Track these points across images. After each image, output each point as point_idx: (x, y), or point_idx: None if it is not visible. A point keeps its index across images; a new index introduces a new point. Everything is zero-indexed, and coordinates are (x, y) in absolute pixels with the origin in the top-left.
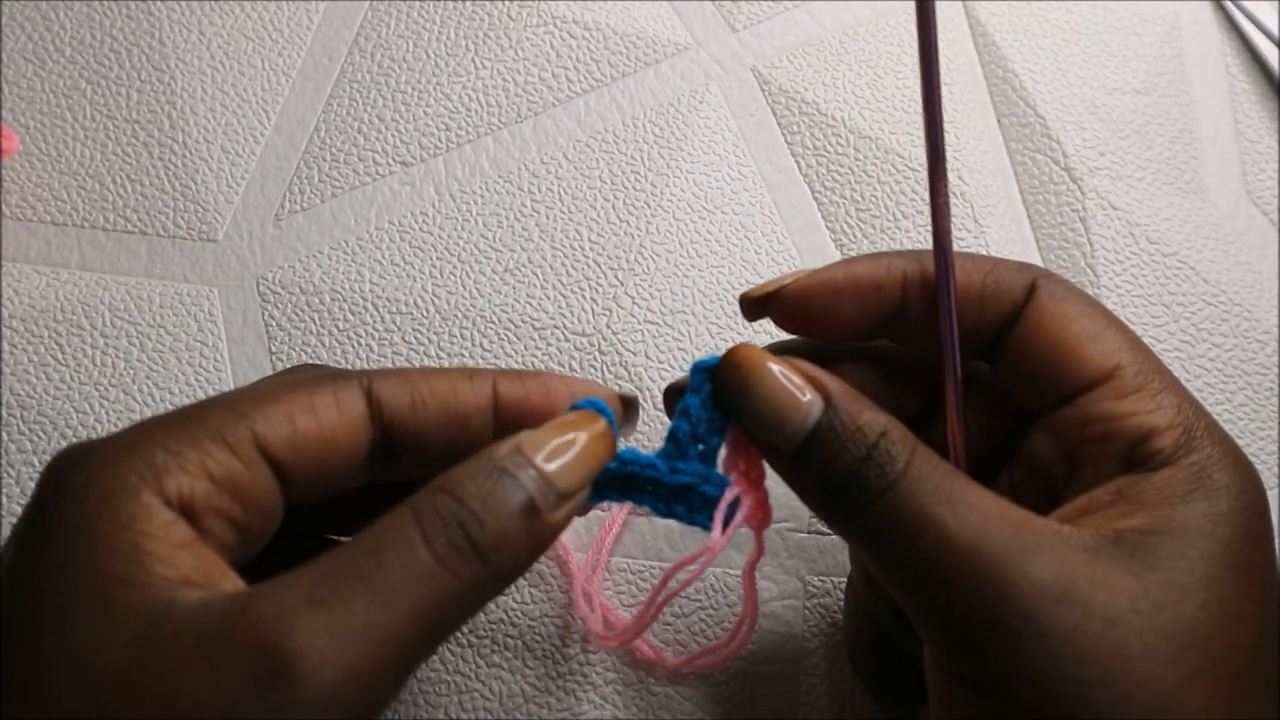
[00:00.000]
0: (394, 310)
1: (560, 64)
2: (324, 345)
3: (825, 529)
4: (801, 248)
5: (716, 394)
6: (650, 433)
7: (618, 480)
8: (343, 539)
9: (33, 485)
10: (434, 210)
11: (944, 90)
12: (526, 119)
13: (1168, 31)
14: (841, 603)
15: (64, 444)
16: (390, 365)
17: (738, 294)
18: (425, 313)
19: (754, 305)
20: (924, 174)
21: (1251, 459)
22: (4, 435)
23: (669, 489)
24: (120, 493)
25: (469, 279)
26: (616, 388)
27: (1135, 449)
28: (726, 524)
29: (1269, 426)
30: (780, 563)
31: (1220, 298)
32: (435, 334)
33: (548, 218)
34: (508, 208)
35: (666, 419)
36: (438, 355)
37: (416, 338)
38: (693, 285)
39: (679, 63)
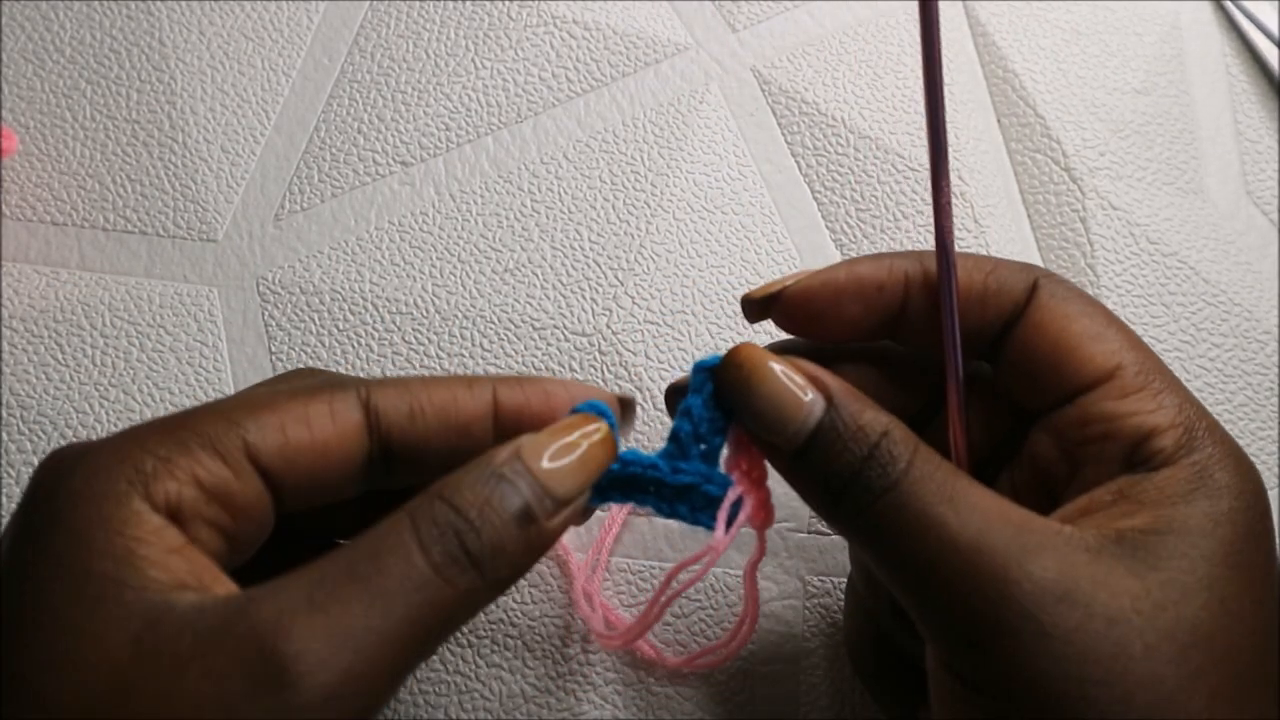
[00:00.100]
0: (394, 310)
1: (560, 64)
2: (324, 345)
3: (825, 529)
4: (801, 248)
5: (718, 394)
6: (651, 433)
7: (620, 481)
8: (342, 542)
9: None
10: (434, 210)
11: (945, 90)
12: (526, 119)
13: (1168, 31)
14: (841, 603)
15: (64, 444)
16: (390, 365)
17: (738, 294)
18: (425, 313)
19: (756, 306)
20: (924, 174)
21: (1251, 459)
22: (4, 435)
23: (671, 489)
24: (111, 499)
25: (469, 279)
26: (616, 388)
27: (1136, 449)
28: (729, 523)
29: (1269, 426)
30: (780, 563)
31: (1220, 298)
32: (435, 334)
33: (548, 218)
34: (508, 208)
35: (668, 419)
36: (437, 355)
37: (416, 338)
38: (693, 285)
39: (679, 63)
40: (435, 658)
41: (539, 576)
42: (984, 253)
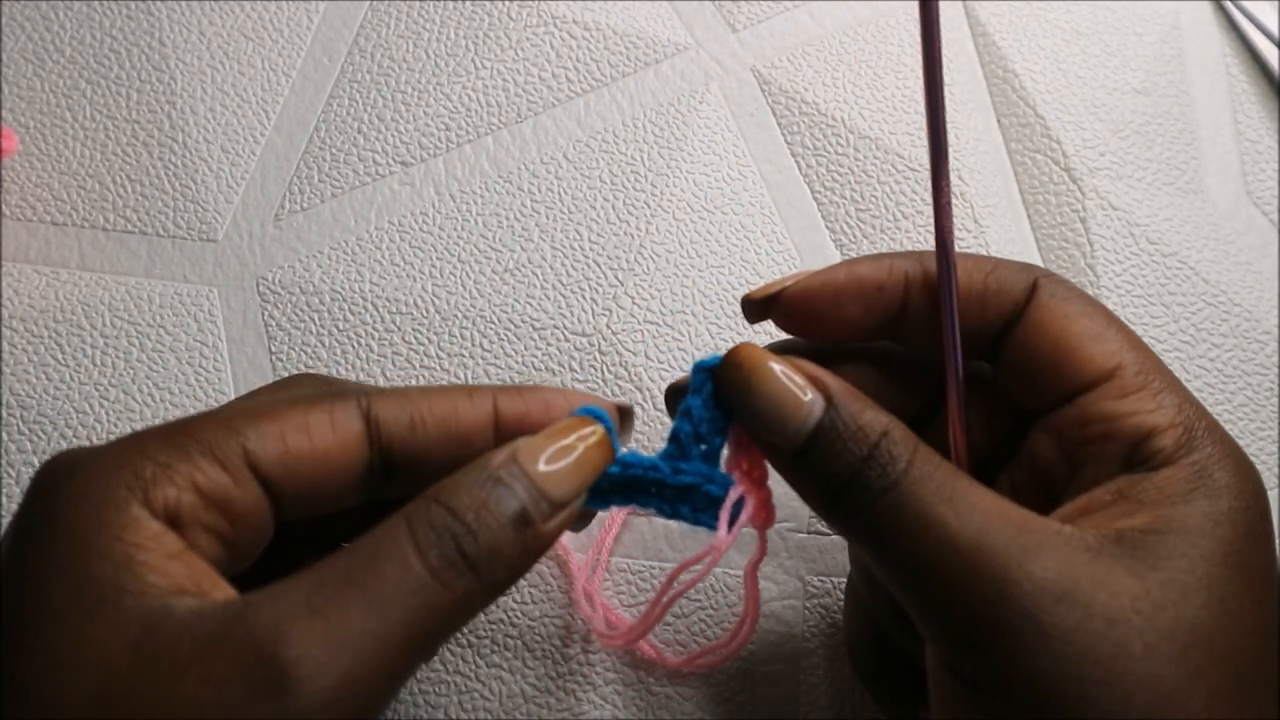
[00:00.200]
0: (394, 310)
1: (560, 64)
2: (324, 345)
3: (825, 529)
4: (801, 248)
5: (718, 394)
6: (651, 433)
7: (622, 484)
8: (346, 545)
9: None
10: (434, 210)
11: (945, 90)
12: (526, 119)
13: (1168, 31)
14: (841, 603)
15: (64, 444)
16: (390, 365)
17: (738, 294)
18: (425, 313)
19: (756, 307)
20: (924, 174)
21: (1251, 459)
22: (4, 435)
23: (673, 490)
24: (110, 504)
25: (469, 279)
26: (616, 388)
27: (1136, 448)
28: (732, 523)
29: (1269, 426)
30: (780, 563)
31: (1220, 298)
32: (435, 334)
33: (548, 218)
34: (508, 208)
35: (668, 419)
36: (437, 355)
37: (416, 338)
38: (693, 285)
39: (679, 63)
40: (435, 658)
41: (539, 577)
42: (984, 253)
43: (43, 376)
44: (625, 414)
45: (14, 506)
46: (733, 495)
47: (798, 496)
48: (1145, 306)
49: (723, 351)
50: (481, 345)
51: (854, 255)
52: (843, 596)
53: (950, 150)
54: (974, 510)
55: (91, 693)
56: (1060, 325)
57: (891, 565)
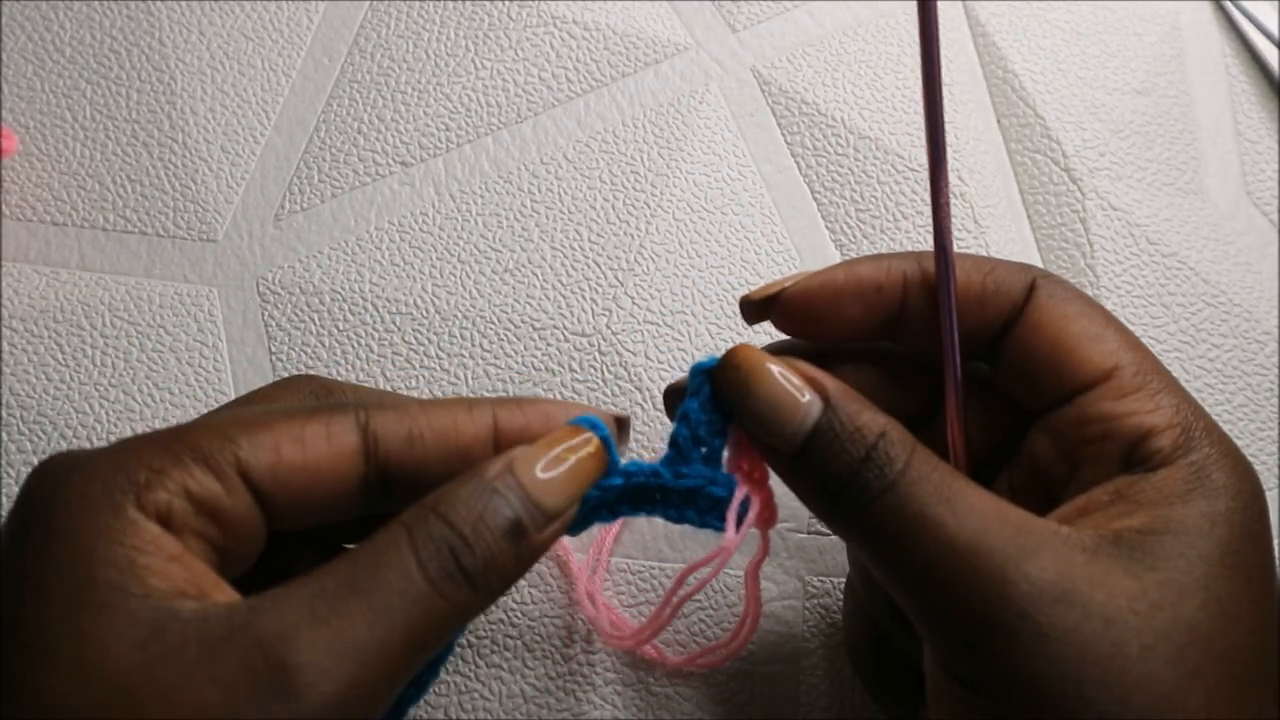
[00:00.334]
0: (394, 310)
1: (560, 64)
2: (324, 345)
3: (825, 529)
4: (801, 248)
5: (716, 396)
6: (652, 434)
7: (627, 495)
8: (349, 546)
9: None
10: (434, 210)
11: (944, 90)
12: (526, 119)
13: (1168, 31)
14: (841, 603)
15: (64, 444)
16: (390, 365)
17: (738, 294)
18: (425, 313)
19: (755, 308)
20: (924, 174)
21: (1251, 459)
22: (4, 435)
23: (677, 494)
24: (107, 508)
25: (469, 279)
26: (616, 388)
27: (1134, 449)
28: (739, 523)
29: (1269, 426)
30: (780, 563)
31: (1220, 298)
32: (435, 334)
33: (548, 218)
34: (508, 208)
35: (668, 420)
36: (437, 355)
37: (416, 338)
38: (693, 285)
39: (679, 63)
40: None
41: (539, 577)
42: (984, 253)
43: (43, 376)
44: (622, 425)
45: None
46: (739, 495)
47: (797, 497)
48: (1145, 307)
49: (721, 353)
50: (481, 345)
51: (854, 255)
52: (842, 597)
53: (950, 150)
54: (971, 511)
55: (98, 694)
56: (1058, 326)
57: (889, 566)
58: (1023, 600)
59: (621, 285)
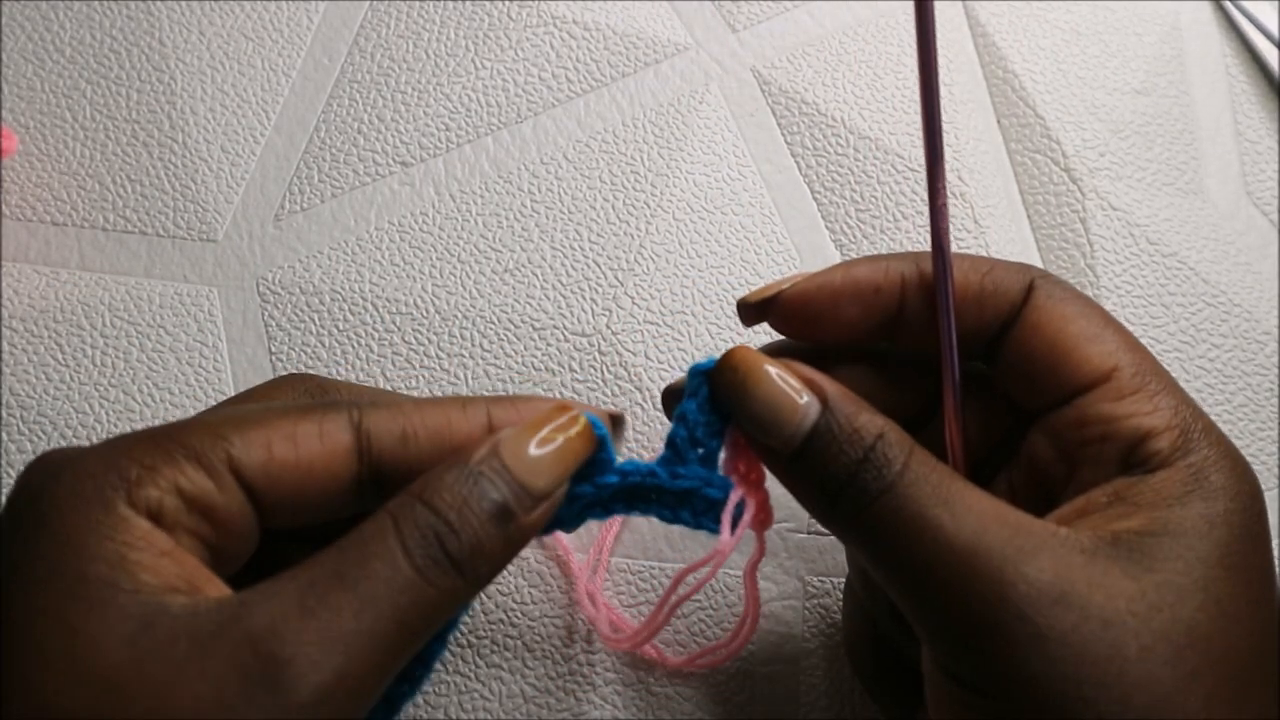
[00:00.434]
0: (394, 310)
1: (560, 64)
2: (324, 345)
3: (824, 530)
4: (801, 248)
5: (714, 397)
6: (651, 434)
7: (622, 493)
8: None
9: None
10: (434, 210)
11: (944, 90)
12: (526, 119)
13: (1168, 31)
14: (841, 603)
15: (64, 444)
16: (390, 365)
17: (737, 294)
18: (425, 313)
19: (752, 310)
20: (924, 174)
21: (1251, 459)
22: (4, 435)
23: (673, 495)
24: (99, 504)
25: (469, 279)
26: (616, 388)
27: (1133, 450)
28: (734, 525)
29: (1269, 426)
30: (780, 563)
31: (1220, 298)
32: (435, 334)
33: (548, 218)
34: (508, 208)
35: (667, 421)
36: (437, 355)
37: (416, 338)
38: (693, 285)
39: (679, 63)
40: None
41: (539, 577)
42: (983, 253)
43: (43, 376)
44: (618, 422)
45: None
46: (734, 497)
47: (795, 498)
48: (1145, 307)
49: (720, 354)
50: (481, 345)
51: (854, 255)
52: (842, 597)
53: (950, 150)
54: (970, 512)
55: (88, 690)
56: (1057, 326)
57: (888, 567)
58: (1021, 601)
59: (621, 285)
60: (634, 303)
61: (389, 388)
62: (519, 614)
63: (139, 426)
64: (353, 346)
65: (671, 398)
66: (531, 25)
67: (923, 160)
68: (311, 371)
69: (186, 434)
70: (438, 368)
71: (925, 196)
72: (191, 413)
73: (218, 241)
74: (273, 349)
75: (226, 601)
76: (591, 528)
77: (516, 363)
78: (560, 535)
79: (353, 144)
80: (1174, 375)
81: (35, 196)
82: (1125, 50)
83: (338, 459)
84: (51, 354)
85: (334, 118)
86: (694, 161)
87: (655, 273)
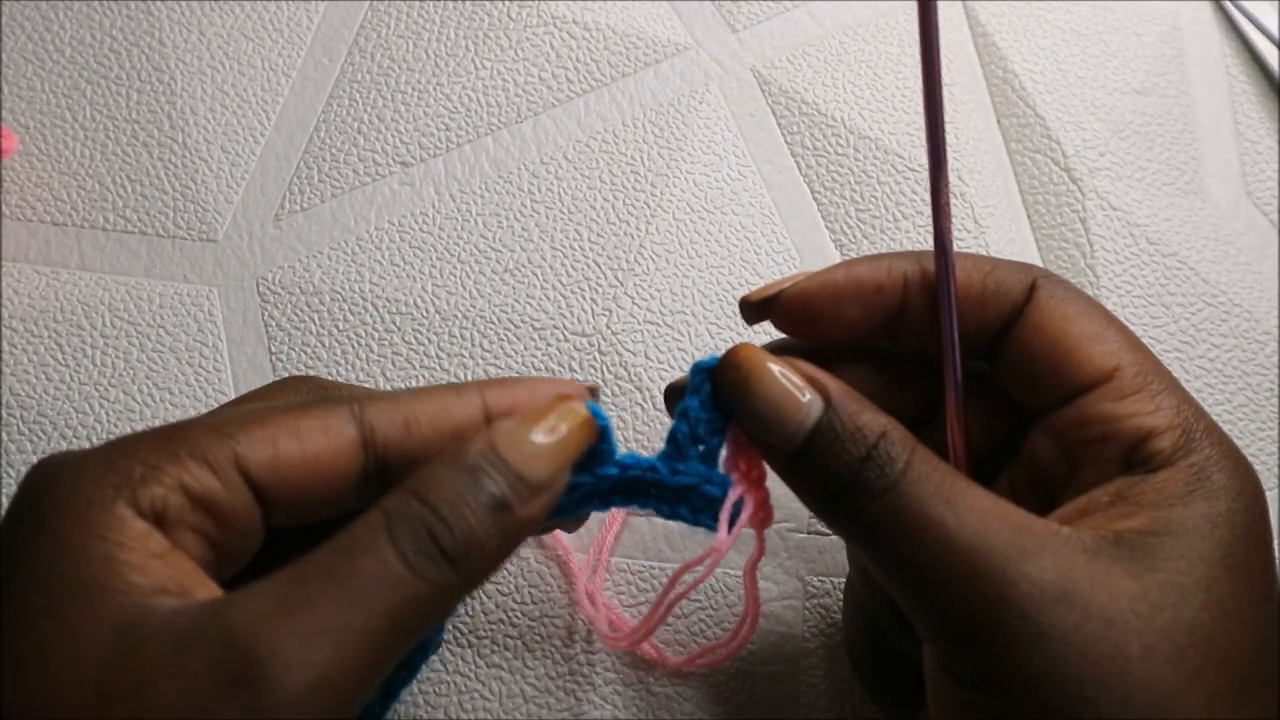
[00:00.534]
0: (394, 310)
1: (560, 64)
2: (324, 345)
3: (825, 529)
4: (801, 248)
5: (716, 394)
6: (651, 433)
7: (621, 486)
8: None
9: None
10: (434, 210)
11: (944, 90)
12: (526, 119)
13: (1168, 31)
14: (841, 603)
15: (64, 444)
16: (390, 365)
17: (738, 294)
18: (425, 313)
19: (754, 309)
20: (924, 174)
21: (1251, 459)
22: (4, 435)
23: (672, 491)
24: (96, 503)
25: (469, 279)
26: (616, 388)
27: (1135, 450)
28: (732, 524)
29: (1269, 426)
30: (780, 563)
31: (1220, 298)
32: (435, 334)
33: (548, 218)
34: (508, 208)
35: (668, 419)
36: (437, 355)
37: (416, 338)
38: (693, 285)
39: (679, 63)
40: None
41: (539, 577)
42: (983, 253)
43: (43, 376)
44: (593, 393)
45: None
46: (732, 496)
47: (797, 497)
48: (1145, 307)
49: (722, 352)
50: (481, 345)
51: (854, 255)
52: (842, 597)
53: (950, 150)
54: (972, 511)
55: (69, 694)
56: (1059, 326)
57: (890, 566)
58: (1023, 600)
59: (621, 285)
60: (634, 303)
61: (388, 388)
62: (519, 614)
63: (139, 426)
64: (353, 346)
65: (674, 395)
66: (531, 25)
67: (923, 160)
68: (312, 372)
69: (191, 433)
70: (438, 368)
71: (925, 197)
72: (192, 413)
73: (218, 241)
74: (273, 349)
75: (211, 602)
76: (591, 528)
77: (516, 363)
78: (560, 535)
79: (353, 144)
80: (1174, 375)
81: (35, 196)
82: (1125, 50)
83: (343, 452)
84: (51, 354)
85: (334, 118)
86: (694, 161)
87: (655, 273)
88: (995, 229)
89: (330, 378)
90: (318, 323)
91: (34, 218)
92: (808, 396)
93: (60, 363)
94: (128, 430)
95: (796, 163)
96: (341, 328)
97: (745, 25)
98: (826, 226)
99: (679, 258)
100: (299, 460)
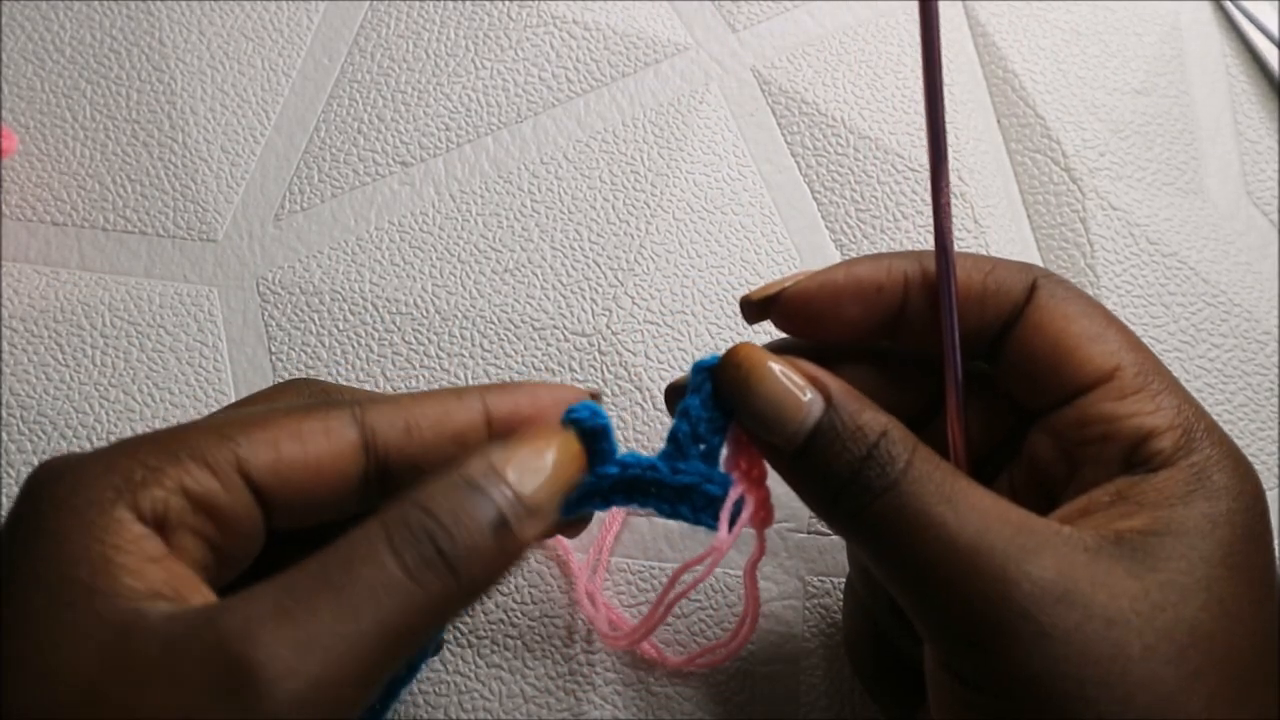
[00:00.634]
0: (394, 310)
1: (560, 64)
2: (324, 345)
3: (825, 529)
4: (801, 248)
5: (717, 394)
6: (651, 433)
7: (622, 485)
8: None
9: None
10: (434, 210)
11: (945, 90)
12: (526, 119)
13: (1168, 31)
14: (841, 603)
15: (64, 444)
16: (390, 365)
17: (738, 294)
18: (425, 313)
19: (755, 308)
20: (924, 174)
21: (1251, 459)
22: (4, 435)
23: (672, 490)
24: (94, 506)
25: (469, 279)
26: (616, 388)
27: (1135, 450)
28: (732, 523)
29: (1269, 426)
30: (780, 563)
31: (1220, 298)
32: (435, 334)
33: (548, 218)
34: (508, 208)
35: (668, 419)
36: (437, 355)
37: (416, 338)
38: (693, 285)
39: (679, 63)
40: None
41: (539, 577)
42: (984, 253)
43: (43, 376)
44: (594, 399)
45: None
46: (732, 495)
47: (797, 496)
48: (1145, 306)
49: (722, 351)
50: (481, 345)
51: (854, 255)
52: (842, 597)
53: (950, 150)
54: (973, 510)
55: (61, 699)
56: (1059, 326)
57: (890, 565)
58: (1024, 600)
59: (621, 285)
60: (634, 303)
61: (389, 388)
62: (519, 614)
63: (139, 427)
64: (353, 346)
65: (675, 394)
66: (531, 25)
67: (923, 160)
68: (312, 372)
69: (192, 435)
70: (438, 368)
71: (926, 196)
72: (192, 413)
73: (218, 241)
74: (273, 349)
75: (205, 608)
76: (591, 528)
77: (516, 363)
78: (560, 535)
79: (353, 144)
80: (1174, 375)
81: (35, 196)
82: (1125, 50)
83: (345, 456)
84: (51, 354)
85: (334, 118)
86: (694, 161)
87: (655, 273)
88: (995, 229)
89: (330, 378)
90: (318, 323)
91: (34, 218)
92: (808, 395)
93: (60, 363)
94: (128, 431)
95: (796, 163)
96: (341, 328)
97: (745, 25)
98: (826, 226)
99: (679, 258)
100: (300, 463)
